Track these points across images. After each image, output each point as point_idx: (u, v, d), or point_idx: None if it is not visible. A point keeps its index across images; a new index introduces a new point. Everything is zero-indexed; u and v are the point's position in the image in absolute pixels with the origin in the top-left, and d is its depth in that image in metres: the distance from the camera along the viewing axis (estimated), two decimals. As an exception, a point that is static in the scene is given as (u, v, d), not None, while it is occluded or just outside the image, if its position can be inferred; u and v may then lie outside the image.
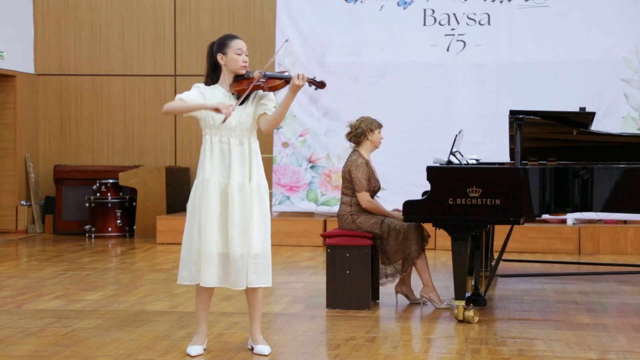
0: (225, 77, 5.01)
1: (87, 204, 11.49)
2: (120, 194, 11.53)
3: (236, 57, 4.96)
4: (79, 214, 11.72)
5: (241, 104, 4.95)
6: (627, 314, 6.34)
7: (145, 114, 12.18)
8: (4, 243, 10.84)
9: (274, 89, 5.01)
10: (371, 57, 10.78)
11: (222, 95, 4.98)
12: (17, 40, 11.99)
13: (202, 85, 5.02)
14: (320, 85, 5.07)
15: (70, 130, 12.32)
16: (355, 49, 10.83)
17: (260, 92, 5.03)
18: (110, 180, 11.48)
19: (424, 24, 10.72)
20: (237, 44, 4.97)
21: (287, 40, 5.48)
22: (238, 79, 5.00)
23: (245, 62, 4.99)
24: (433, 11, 10.69)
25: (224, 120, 4.80)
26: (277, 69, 9.99)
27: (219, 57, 4.97)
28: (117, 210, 11.46)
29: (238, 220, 4.92)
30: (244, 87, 4.95)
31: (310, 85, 5.06)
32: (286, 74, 5.07)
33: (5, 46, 11.67)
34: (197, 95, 4.96)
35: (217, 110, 4.79)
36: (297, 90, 4.92)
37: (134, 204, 11.51)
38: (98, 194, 11.44)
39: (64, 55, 12.30)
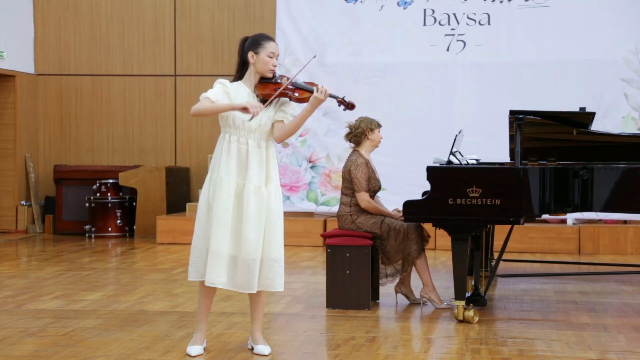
0: (251, 76, 4.98)
1: (87, 204, 11.49)
2: (120, 194, 11.53)
3: (267, 60, 4.93)
4: (79, 214, 11.72)
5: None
6: (627, 314, 6.35)
7: (145, 114, 12.18)
8: (4, 243, 10.84)
9: (301, 100, 4.93)
10: (371, 57, 10.78)
11: (247, 94, 4.95)
12: (17, 40, 11.99)
13: (226, 82, 4.98)
14: (350, 106, 5.01)
15: (70, 130, 12.32)
16: (355, 49, 10.82)
17: (285, 99, 5.00)
18: (110, 180, 11.48)
19: (424, 24, 10.72)
20: (271, 47, 4.95)
21: (315, 57, 5.49)
22: (264, 81, 4.96)
23: (275, 66, 4.96)
24: (433, 11, 10.69)
25: (251, 119, 4.79)
26: (278, 71, 9.95)
27: (250, 55, 4.95)
28: (117, 210, 11.46)
29: (254, 223, 4.88)
30: (270, 91, 4.89)
31: (339, 105, 5.02)
32: (313, 86, 4.97)
33: (5, 46, 11.67)
34: (222, 92, 4.92)
35: (244, 109, 4.77)
36: (317, 104, 4.88)
37: (134, 204, 11.51)
38: (98, 194, 11.45)
39: (64, 55, 12.29)
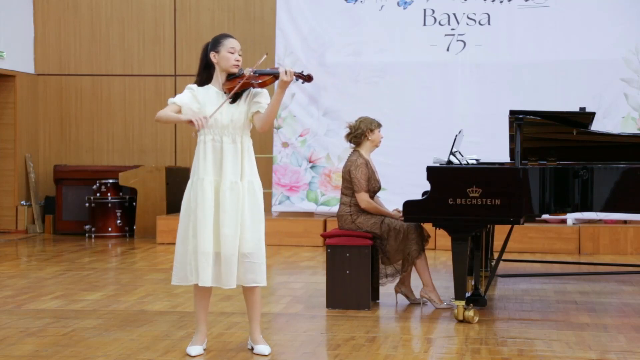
0: (218, 76, 5.04)
1: (87, 204, 11.49)
2: (120, 194, 11.53)
3: (228, 56, 4.99)
4: (79, 214, 11.72)
5: (233, 101, 4.99)
6: (627, 314, 6.35)
7: (145, 114, 12.17)
8: (4, 243, 10.84)
9: (263, 85, 5.02)
10: (371, 57, 10.78)
11: (215, 94, 5.01)
12: (17, 40, 11.99)
13: (194, 86, 5.06)
14: (307, 78, 5.07)
15: (70, 130, 12.32)
16: (355, 49, 10.83)
17: (254, 90, 5.05)
18: (110, 180, 11.49)
19: (424, 24, 10.72)
20: (230, 43, 5.01)
21: (267, 54, 5.60)
22: (230, 77, 5.03)
23: (238, 61, 5.02)
24: (433, 11, 10.69)
25: (195, 133, 4.92)
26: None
27: (212, 55, 5.01)
28: (117, 210, 11.46)
29: (230, 219, 4.93)
30: (235, 84, 4.98)
31: (297, 80, 5.06)
32: (275, 69, 5.07)
33: (5, 46, 11.67)
34: (189, 97, 5.01)
35: (190, 122, 4.86)
36: (285, 86, 4.94)
37: (134, 204, 11.51)
38: (98, 194, 11.45)
39: (64, 55, 12.30)
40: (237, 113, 5.01)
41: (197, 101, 4.98)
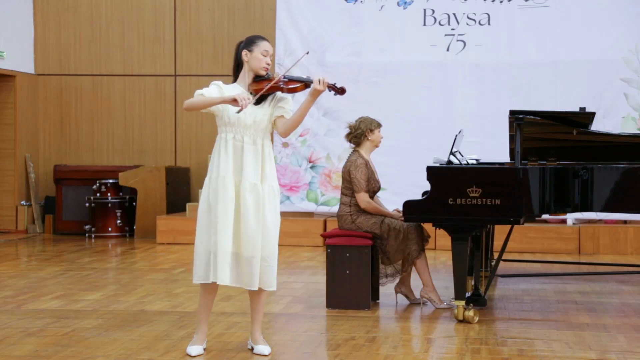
0: (245, 76, 5.04)
1: (87, 204, 11.50)
2: (120, 194, 11.53)
3: (260, 57, 5.01)
4: (79, 214, 11.72)
5: (257, 103, 4.99)
6: (627, 314, 6.35)
7: (145, 114, 12.18)
8: (4, 243, 10.83)
9: (292, 91, 5.02)
10: (371, 57, 10.78)
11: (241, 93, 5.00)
12: (17, 40, 11.99)
13: (220, 83, 5.06)
14: (340, 91, 5.08)
15: (70, 130, 12.32)
16: (355, 49, 10.82)
17: (279, 94, 5.05)
18: (110, 180, 11.49)
19: (424, 24, 10.72)
20: (265, 45, 5.05)
21: (307, 53, 5.61)
22: (257, 79, 5.03)
23: (268, 64, 5.05)
24: (433, 11, 10.69)
25: (239, 111, 4.84)
26: (277, 69, 9.98)
27: (244, 53, 5.02)
28: (117, 210, 11.46)
29: (253, 220, 4.92)
30: (262, 86, 4.97)
31: (329, 91, 5.06)
32: (306, 77, 5.08)
33: (5, 46, 11.67)
34: (216, 92, 4.99)
35: (234, 101, 4.82)
36: (317, 94, 4.95)
37: (134, 204, 11.51)
38: (98, 194, 11.45)
39: (64, 55, 12.30)
40: (260, 115, 5.01)
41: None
